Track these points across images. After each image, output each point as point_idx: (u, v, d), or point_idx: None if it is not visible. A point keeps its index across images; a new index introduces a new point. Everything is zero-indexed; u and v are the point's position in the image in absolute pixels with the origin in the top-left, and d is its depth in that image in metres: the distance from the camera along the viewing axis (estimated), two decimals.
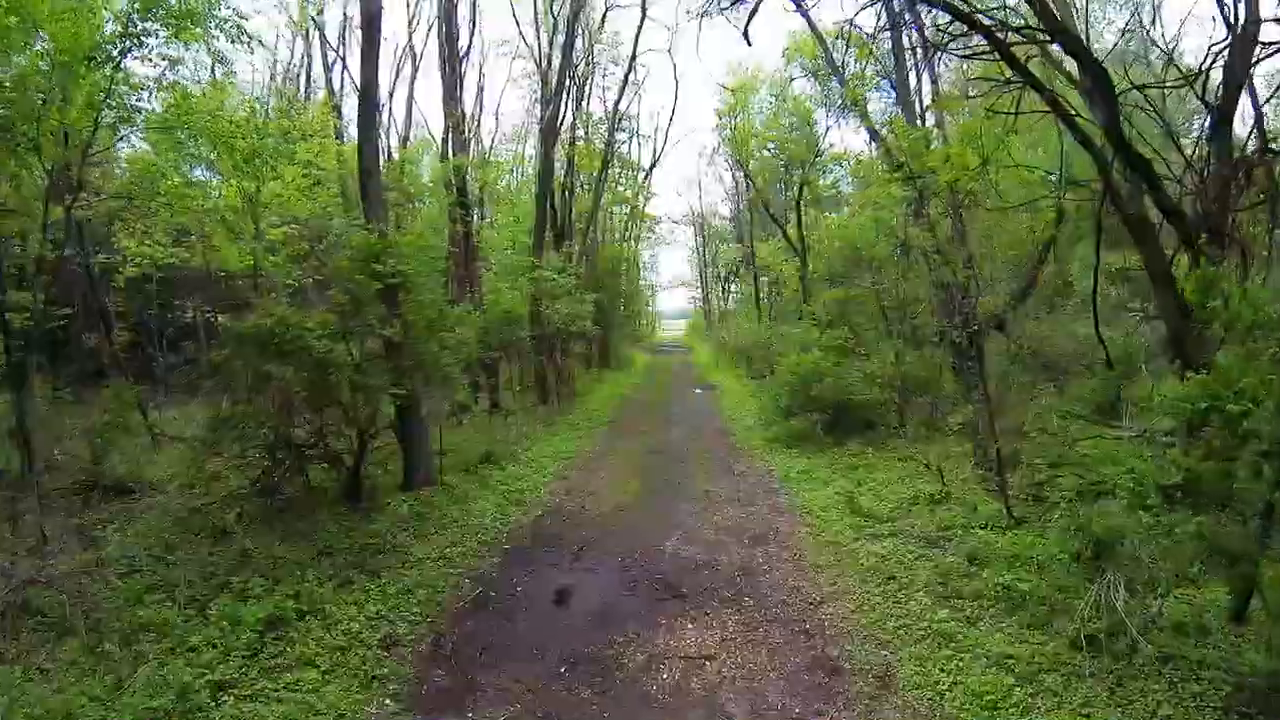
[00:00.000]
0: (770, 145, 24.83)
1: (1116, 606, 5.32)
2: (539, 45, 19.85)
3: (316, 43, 20.00)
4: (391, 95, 21.14)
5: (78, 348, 14.75)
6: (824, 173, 22.02)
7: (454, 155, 16.18)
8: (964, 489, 8.86)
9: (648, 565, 7.00)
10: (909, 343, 12.86)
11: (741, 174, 44.94)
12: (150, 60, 9.07)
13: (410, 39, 19.49)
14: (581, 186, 28.10)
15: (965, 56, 9.04)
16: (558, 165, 25.19)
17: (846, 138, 43.43)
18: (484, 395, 16.57)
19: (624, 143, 24.51)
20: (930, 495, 8.56)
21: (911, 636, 5.38)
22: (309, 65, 22.55)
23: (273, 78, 22.96)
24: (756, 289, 31.38)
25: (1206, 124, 9.18)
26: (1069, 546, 6.39)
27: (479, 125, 28.65)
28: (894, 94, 16.68)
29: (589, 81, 25.38)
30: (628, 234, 38.10)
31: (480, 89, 32.92)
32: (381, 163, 19.70)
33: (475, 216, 25.32)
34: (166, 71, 9.70)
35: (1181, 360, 7.85)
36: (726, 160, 45.90)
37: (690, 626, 5.68)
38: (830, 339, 12.04)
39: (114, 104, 8.65)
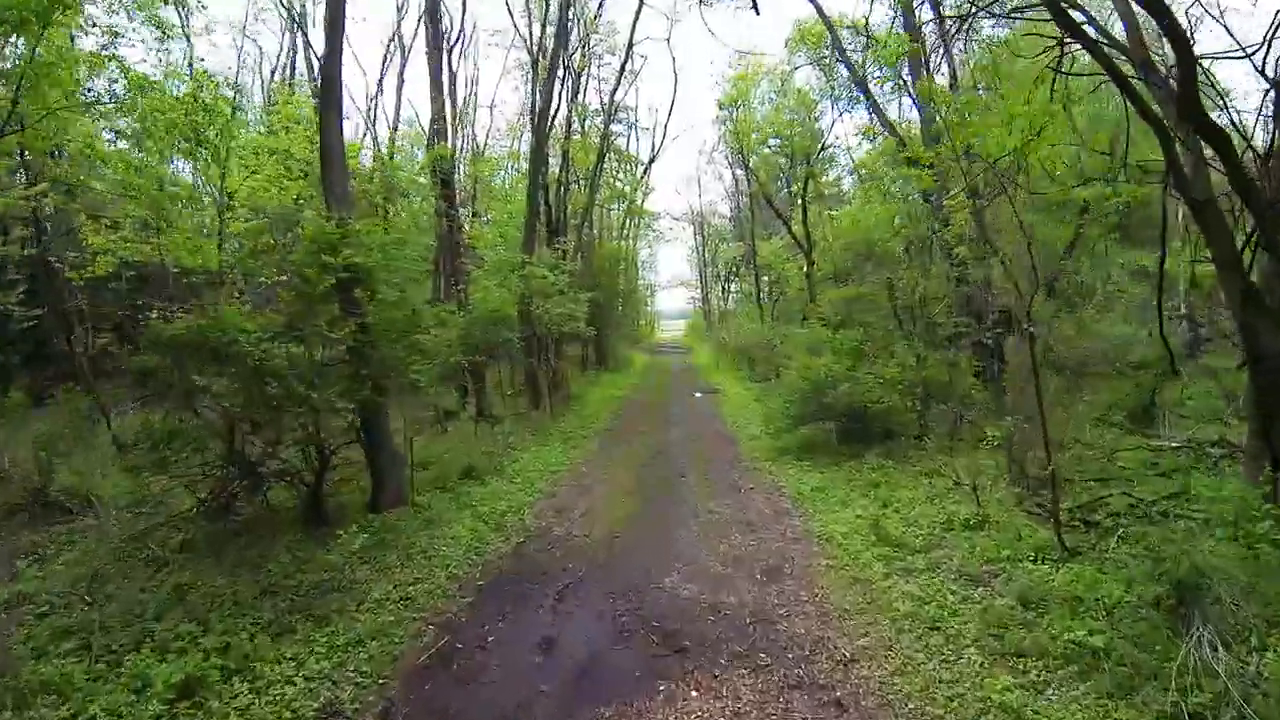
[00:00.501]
0: (774, 139, 23.83)
1: (1217, 669, 4.33)
2: (531, 35, 18.87)
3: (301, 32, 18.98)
4: (380, 85, 20.19)
5: (58, 351, 13.80)
6: (829, 166, 20.98)
7: (438, 144, 15.12)
8: (1001, 511, 7.84)
9: (644, 608, 5.96)
10: (927, 344, 11.83)
11: (742, 171, 44.13)
12: (85, 29, 8.06)
13: (399, 26, 18.53)
14: (578, 183, 27.11)
15: (1007, 15, 8.00)
16: (553, 160, 24.25)
17: (850, 135, 42.44)
18: (471, 401, 15.57)
19: (621, 135, 23.59)
20: (965, 520, 7.55)
21: (969, 710, 4.35)
22: (294, 58, 21.57)
23: (273, 73, 22.03)
24: (758, 288, 30.38)
25: (1271, 100, 8.17)
26: (1146, 590, 5.35)
27: (474, 118, 27.68)
28: (910, 78, 15.71)
29: (585, 73, 24.39)
30: (625, 232, 37.08)
31: (474, 81, 32.01)
32: (369, 158, 18.85)
33: (465, 211, 24.32)
34: (110, 45, 8.71)
35: (1252, 356, 6.85)
36: (726, 157, 44.96)
37: (695, 694, 4.65)
38: (844, 341, 10.99)
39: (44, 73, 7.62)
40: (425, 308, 9.12)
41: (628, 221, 31.76)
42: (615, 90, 21.34)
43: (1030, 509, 8.10)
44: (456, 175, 27.74)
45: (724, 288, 49.20)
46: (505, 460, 11.56)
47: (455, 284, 14.56)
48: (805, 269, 20.06)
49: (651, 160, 30.57)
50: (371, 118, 20.30)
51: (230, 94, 8.86)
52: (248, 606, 6.12)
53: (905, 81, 17.82)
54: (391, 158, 19.89)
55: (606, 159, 23.17)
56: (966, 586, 6.09)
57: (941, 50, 15.40)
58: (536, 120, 16.62)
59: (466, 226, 16.90)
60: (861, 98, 18.66)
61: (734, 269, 44.65)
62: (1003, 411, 12.11)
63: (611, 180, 22.98)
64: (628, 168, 23.56)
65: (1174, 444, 10.74)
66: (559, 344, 16.48)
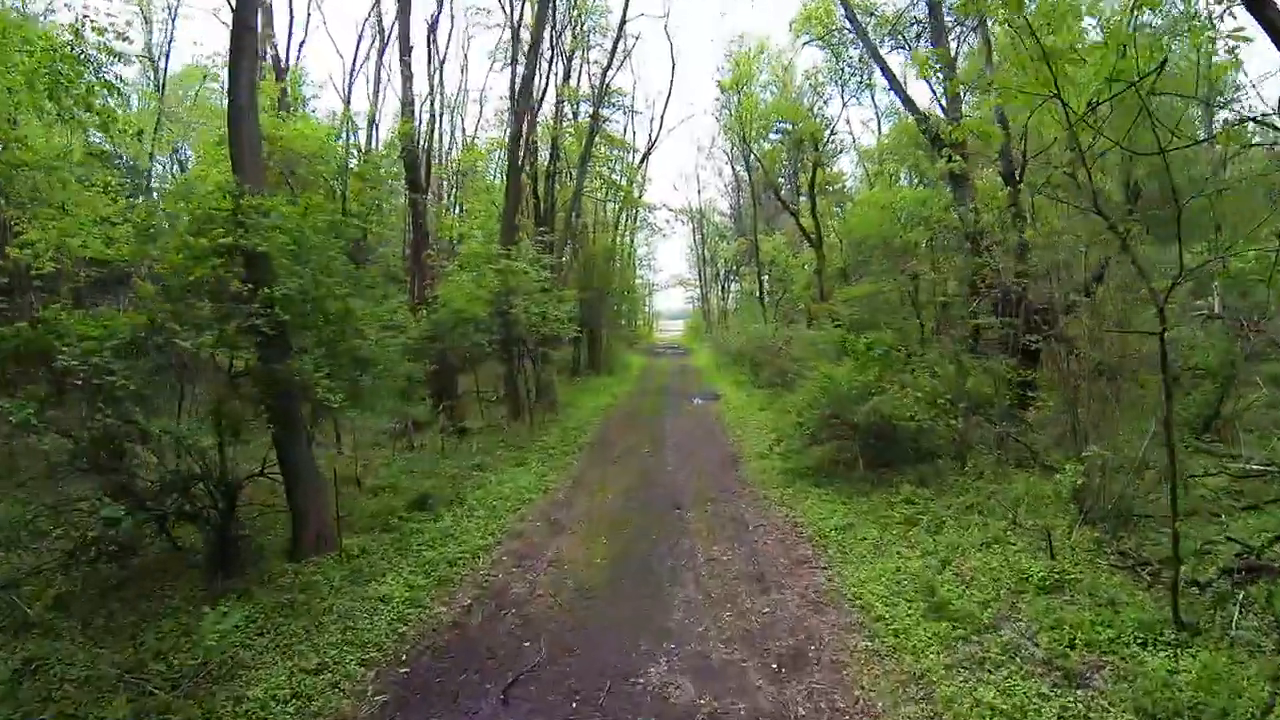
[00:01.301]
0: (779, 125, 22.15)
1: None
2: (512, 9, 17.17)
3: None
4: (354, 68, 18.48)
5: None
6: (836, 157, 19.30)
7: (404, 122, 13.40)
8: (1079, 563, 6.18)
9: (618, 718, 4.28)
10: (961, 349, 10.16)
11: (742, 166, 42.29)
12: None
13: (378, 4, 16.79)
14: (569, 173, 25.43)
15: None
16: (543, 150, 22.59)
17: (858, 127, 40.56)
18: (445, 412, 13.90)
19: (614, 121, 21.91)
20: (1040, 578, 5.86)
21: None
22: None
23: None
24: (761, 286, 28.71)
25: None
26: None
27: (464, 110, 26.02)
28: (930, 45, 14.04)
29: (576, 56, 22.72)
30: (622, 230, 35.34)
31: (464, 70, 30.30)
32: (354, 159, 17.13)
33: (445, 202, 22.62)
34: None
35: None
36: (726, 153, 43.31)
37: None
38: (871, 345, 9.29)
39: None
40: (363, 305, 7.40)
41: (624, 215, 30.03)
42: (608, 70, 19.67)
43: (1114, 561, 6.44)
44: (439, 165, 26.14)
45: (723, 287, 47.52)
46: (470, 485, 9.87)
47: (421, 279, 12.86)
48: (814, 263, 18.38)
49: (648, 151, 28.88)
50: (346, 97, 18.59)
51: (122, 45, 7.10)
52: (104, 693, 4.55)
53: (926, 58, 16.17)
54: (366, 147, 18.24)
55: (599, 146, 21.48)
56: (1061, 689, 4.42)
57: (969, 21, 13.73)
58: (517, 98, 14.93)
59: (435, 216, 15.14)
60: (872, 80, 17.04)
61: (734, 267, 42.98)
62: (1055, 429, 10.53)
63: (604, 169, 21.31)
64: (621, 156, 21.91)
65: (1254, 466, 9.09)
66: (545, 347, 14.80)
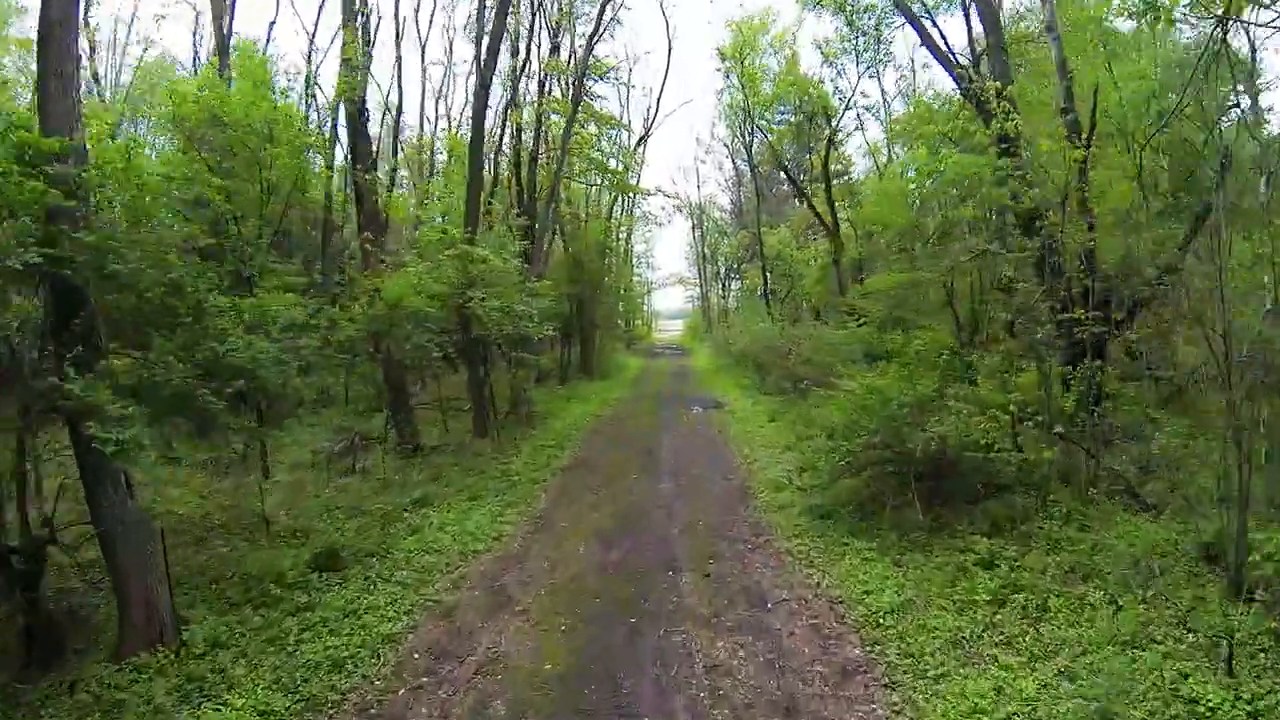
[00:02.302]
0: (782, 110, 19.95)
1: None
2: None
3: None
4: (313, 41, 16.32)
5: None
6: (852, 132, 17.09)
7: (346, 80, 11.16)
8: (1264, 674, 4.01)
9: None
10: (1045, 351, 7.97)
11: (744, 158, 39.98)
12: None
13: None
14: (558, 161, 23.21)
15: None
16: (526, 134, 20.42)
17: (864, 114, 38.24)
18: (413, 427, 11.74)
19: (604, 98, 19.67)
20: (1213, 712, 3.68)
21: None
22: None
23: None
24: (766, 282, 26.51)
25: None
26: None
27: (452, 99, 23.89)
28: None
29: (562, 29, 20.51)
30: (618, 222, 33.12)
31: (450, 51, 28.12)
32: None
33: (424, 185, 20.38)
34: None
35: None
36: (726, 145, 41.09)
37: None
38: (921, 347, 7.10)
39: None
40: (213, 292, 5.21)
41: (618, 205, 27.80)
42: (594, 36, 17.39)
43: None
44: (415, 149, 23.95)
45: (724, 285, 45.35)
46: (402, 530, 7.69)
47: (365, 268, 10.67)
48: (830, 253, 16.17)
49: (644, 136, 26.79)
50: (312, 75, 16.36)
51: None
52: None
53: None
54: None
55: (588, 126, 19.28)
56: None
57: None
58: (483, 60, 12.72)
59: (382, 189, 12.91)
60: (888, 53, 14.88)
61: (735, 265, 40.81)
62: (1134, 449, 8.33)
63: (595, 152, 19.08)
64: (614, 138, 19.68)
65: None
66: (520, 349, 12.59)
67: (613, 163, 21.35)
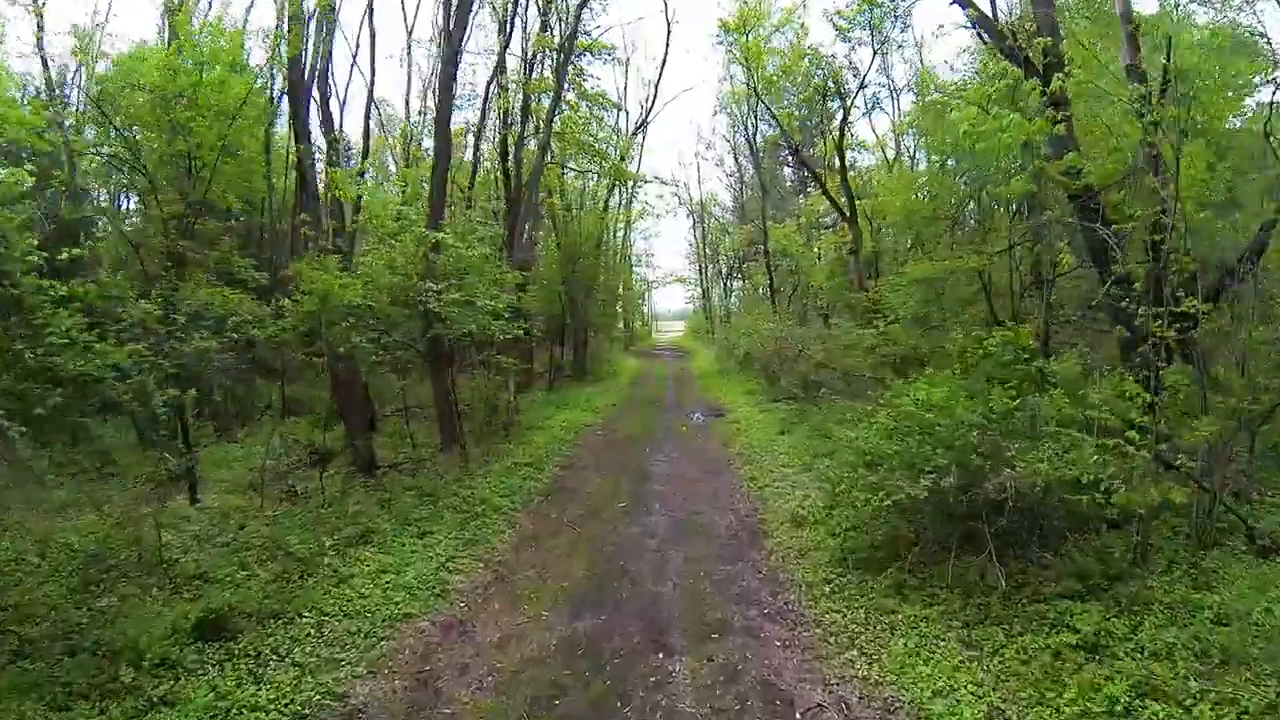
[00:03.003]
0: (791, 87, 18.32)
1: None
2: None
3: None
4: None
5: None
6: (869, 109, 15.45)
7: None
8: None
9: None
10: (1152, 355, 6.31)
11: (746, 152, 38.42)
12: None
13: None
14: (551, 152, 21.57)
15: None
16: (516, 122, 18.74)
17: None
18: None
19: (594, 77, 18.00)
20: None
21: None
22: None
23: None
24: (771, 279, 24.88)
25: None
26: None
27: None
28: None
29: (553, 7, 18.87)
30: (614, 214, 31.47)
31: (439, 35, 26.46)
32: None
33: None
34: None
35: None
36: (728, 139, 39.61)
37: None
38: (998, 347, 5.46)
39: None
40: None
41: (616, 198, 26.17)
42: (583, 3, 15.73)
43: None
44: (388, 138, 22.35)
45: (726, 285, 43.73)
46: (320, 582, 6.08)
47: (301, 253, 9.05)
48: (841, 245, 14.51)
49: (642, 122, 25.20)
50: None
51: None
52: None
53: None
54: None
55: (578, 106, 17.66)
56: None
57: None
58: (452, 24, 11.09)
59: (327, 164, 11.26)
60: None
61: (738, 263, 39.17)
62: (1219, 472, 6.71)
63: (584, 135, 17.44)
64: (607, 121, 18.00)
65: None
66: (497, 349, 10.98)
67: (610, 150, 19.69)
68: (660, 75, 26.30)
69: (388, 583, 6.12)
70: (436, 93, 10.74)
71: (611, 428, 13.42)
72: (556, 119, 15.77)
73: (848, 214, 13.60)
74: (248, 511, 9.01)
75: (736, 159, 40.33)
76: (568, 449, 11.33)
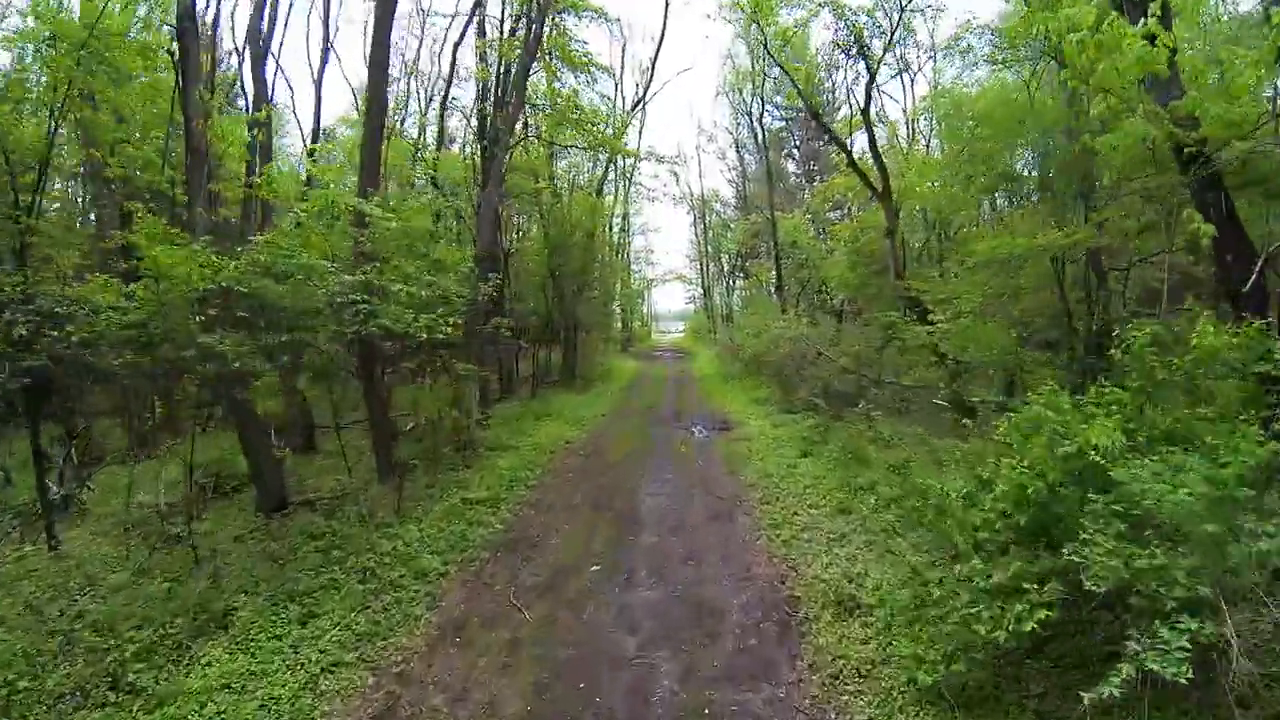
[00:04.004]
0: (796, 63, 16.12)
1: None
2: None
3: None
4: None
5: None
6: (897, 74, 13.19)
7: None
8: None
9: None
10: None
11: (748, 150, 36.27)
12: None
13: None
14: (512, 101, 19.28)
15: None
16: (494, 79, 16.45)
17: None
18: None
19: (580, 40, 15.72)
20: None
21: None
22: None
23: None
24: (779, 273, 22.65)
25: None
26: None
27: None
28: None
29: None
30: (610, 207, 29.25)
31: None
32: None
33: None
34: None
35: None
36: (730, 131, 37.44)
37: None
38: (1230, 353, 3.26)
39: None
40: None
41: (611, 185, 23.96)
42: None
43: None
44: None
45: (729, 283, 41.56)
46: (125, 705, 3.90)
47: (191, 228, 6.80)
48: (865, 232, 12.29)
49: (639, 102, 23.08)
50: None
51: None
52: None
53: None
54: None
55: (562, 74, 15.45)
56: None
57: None
58: None
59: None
60: None
61: (741, 260, 36.96)
62: None
63: (571, 109, 15.19)
64: (596, 99, 15.79)
65: None
66: (438, 358, 8.78)
67: (605, 129, 17.44)
68: (657, 53, 24.14)
69: (218, 716, 3.92)
70: (371, 34, 8.49)
71: (597, 446, 11.17)
72: (530, 76, 13.45)
73: (879, 189, 11.37)
74: (110, 564, 6.92)
75: (739, 152, 38.32)
76: (538, 476, 9.09)
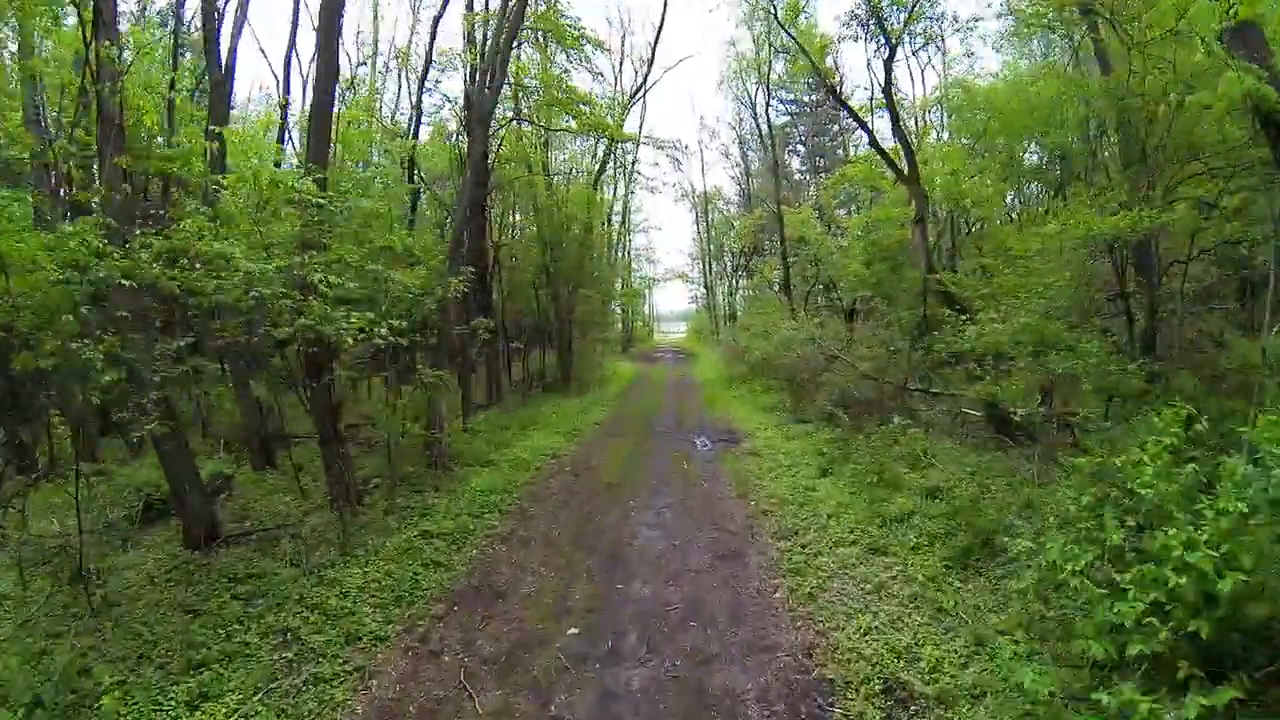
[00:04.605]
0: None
1: None
2: None
3: None
4: None
5: None
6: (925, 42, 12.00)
7: None
8: None
9: None
10: None
11: (751, 147, 35.09)
12: None
13: None
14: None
15: None
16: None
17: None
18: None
19: (575, 19, 14.50)
20: None
21: None
22: None
23: None
24: (787, 269, 21.46)
25: None
26: None
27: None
28: None
29: None
30: (609, 201, 28.09)
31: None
32: None
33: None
34: None
35: None
36: (733, 126, 36.30)
37: None
38: None
39: None
40: None
41: (606, 172, 22.74)
42: None
43: None
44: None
45: (733, 282, 40.43)
46: None
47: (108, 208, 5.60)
48: (910, 212, 11.02)
49: (638, 89, 21.93)
50: None
51: None
52: None
53: None
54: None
55: (554, 54, 14.24)
56: None
57: None
58: None
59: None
60: None
61: (745, 258, 35.79)
62: None
63: (560, 90, 13.99)
64: (579, 60, 14.57)
65: None
66: (403, 357, 7.62)
67: (601, 112, 16.26)
68: (657, 38, 22.96)
69: None
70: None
71: (588, 461, 9.97)
72: (521, 46, 12.27)
73: (905, 172, 10.15)
74: (4, 606, 5.83)
75: (742, 148, 37.20)
76: (516, 500, 7.89)
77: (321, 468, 7.98)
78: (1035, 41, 17.87)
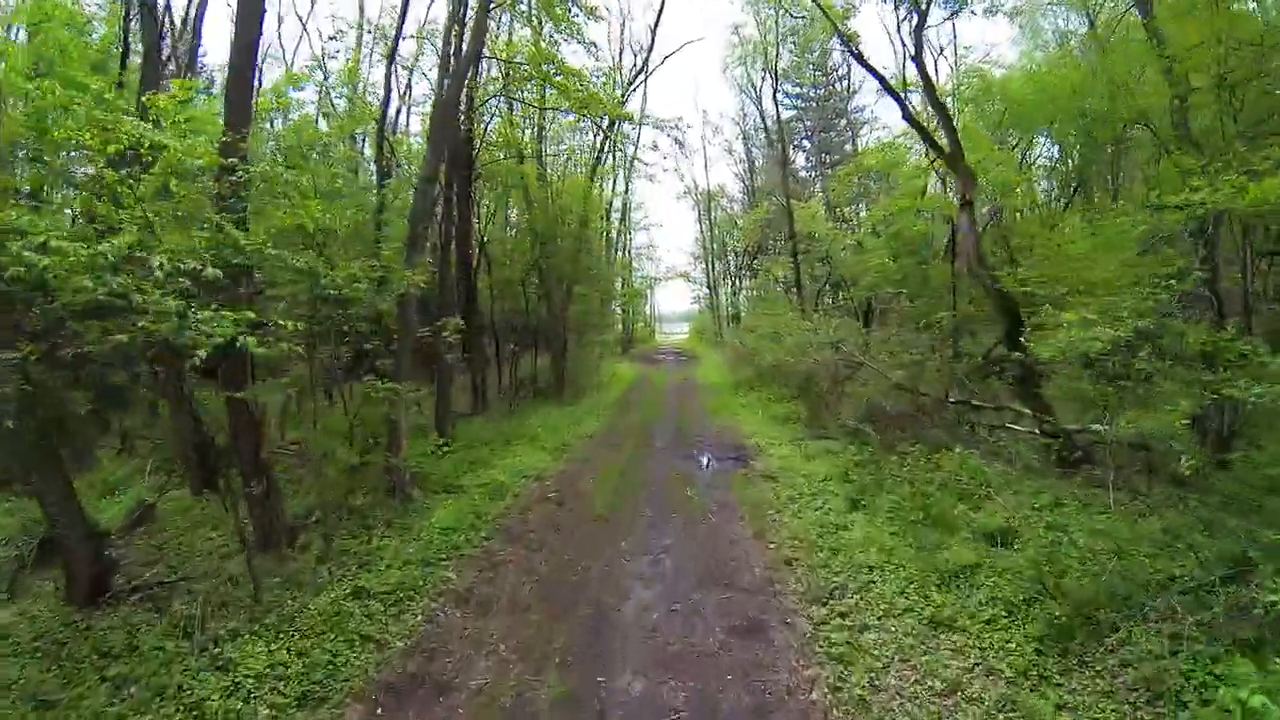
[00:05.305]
0: None
1: None
2: None
3: None
4: None
5: None
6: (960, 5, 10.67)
7: None
8: None
9: None
10: None
11: (755, 144, 33.74)
12: None
13: None
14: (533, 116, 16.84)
15: None
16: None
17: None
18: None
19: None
20: None
21: None
22: None
23: None
24: (797, 267, 20.10)
25: None
26: None
27: None
28: None
29: None
30: (608, 195, 26.68)
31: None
32: None
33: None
34: None
35: None
36: (737, 122, 35.03)
37: None
38: None
39: None
40: None
41: (604, 162, 21.36)
42: None
43: None
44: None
45: (735, 282, 39.12)
46: None
47: None
48: (956, 196, 9.64)
49: (636, 74, 20.59)
50: None
51: None
52: None
53: None
54: None
55: (541, 24, 12.91)
56: None
57: None
58: None
59: None
60: None
61: (750, 257, 34.47)
62: None
63: (544, 58, 12.58)
64: (568, 31, 13.15)
65: None
66: (377, 352, 6.31)
67: (600, 91, 14.87)
68: (658, 19, 21.51)
69: None
70: None
71: (574, 486, 8.61)
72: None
73: (948, 150, 8.79)
74: None
75: (746, 144, 35.94)
76: (482, 541, 6.52)
77: (225, 503, 6.66)
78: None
